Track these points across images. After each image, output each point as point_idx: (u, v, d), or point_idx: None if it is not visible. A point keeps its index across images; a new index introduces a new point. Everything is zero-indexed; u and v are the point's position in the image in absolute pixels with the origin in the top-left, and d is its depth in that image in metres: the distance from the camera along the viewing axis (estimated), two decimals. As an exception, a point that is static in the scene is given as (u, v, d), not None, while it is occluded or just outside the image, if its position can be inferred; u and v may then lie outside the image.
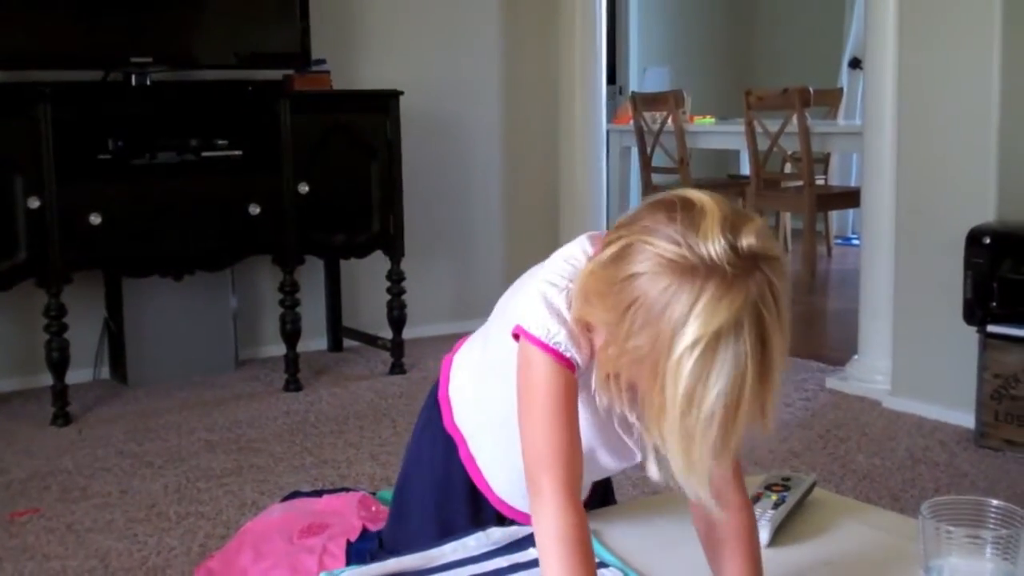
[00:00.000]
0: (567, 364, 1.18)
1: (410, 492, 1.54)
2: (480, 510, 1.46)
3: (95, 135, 3.71)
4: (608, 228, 1.18)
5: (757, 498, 1.37)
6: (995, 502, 1.05)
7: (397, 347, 4.25)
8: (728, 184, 7.06)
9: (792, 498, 1.39)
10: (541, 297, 1.20)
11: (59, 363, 3.63)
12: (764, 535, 1.30)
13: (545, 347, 1.18)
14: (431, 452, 1.49)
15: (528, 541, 1.38)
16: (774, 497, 1.38)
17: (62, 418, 3.63)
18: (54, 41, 3.82)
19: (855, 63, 7.69)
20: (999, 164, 3.34)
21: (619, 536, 1.38)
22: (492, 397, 1.40)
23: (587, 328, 1.18)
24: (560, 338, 1.18)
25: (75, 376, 3.85)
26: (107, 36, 3.91)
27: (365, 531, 1.65)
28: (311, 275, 4.45)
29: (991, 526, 1.03)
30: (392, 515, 1.59)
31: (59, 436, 3.52)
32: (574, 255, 1.22)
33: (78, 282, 3.74)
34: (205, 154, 3.85)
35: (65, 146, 3.57)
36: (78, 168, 3.62)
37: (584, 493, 1.34)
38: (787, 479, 1.45)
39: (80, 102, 3.73)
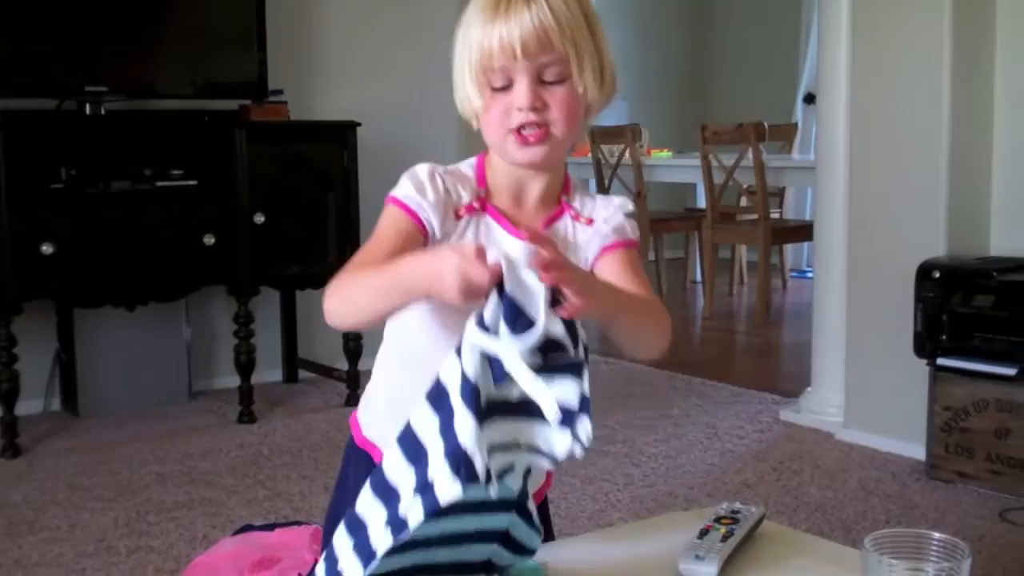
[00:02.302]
0: (417, 221, 1.28)
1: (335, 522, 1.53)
2: None
3: (48, 164, 3.69)
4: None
5: (706, 531, 1.38)
6: (937, 535, 1.06)
7: (352, 378, 4.23)
8: (684, 217, 7.11)
9: (740, 531, 1.39)
10: (410, 173, 1.32)
11: (9, 394, 3.58)
12: (712, 570, 1.30)
13: (398, 202, 1.29)
14: (354, 481, 1.43)
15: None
16: (722, 530, 1.38)
17: (11, 450, 3.58)
18: (7, 69, 3.79)
19: (810, 98, 7.79)
20: (949, 199, 3.39)
21: (568, 568, 1.38)
22: (396, 382, 1.41)
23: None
24: (420, 202, 1.29)
25: (25, 407, 3.80)
26: (62, 65, 3.89)
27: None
28: (266, 306, 4.43)
29: (933, 559, 1.04)
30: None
31: (8, 468, 3.47)
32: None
33: (29, 312, 3.70)
34: (160, 184, 3.84)
35: (18, 175, 3.54)
36: (31, 197, 3.59)
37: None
38: (736, 512, 1.45)
39: (33, 131, 3.71)
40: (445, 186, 1.32)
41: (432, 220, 1.30)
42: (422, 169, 1.33)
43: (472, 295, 1.06)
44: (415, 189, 1.31)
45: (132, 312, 3.93)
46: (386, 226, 1.30)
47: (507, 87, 1.27)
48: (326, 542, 1.55)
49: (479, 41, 1.26)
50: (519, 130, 1.28)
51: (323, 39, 4.65)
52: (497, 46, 1.24)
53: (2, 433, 3.58)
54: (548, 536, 1.55)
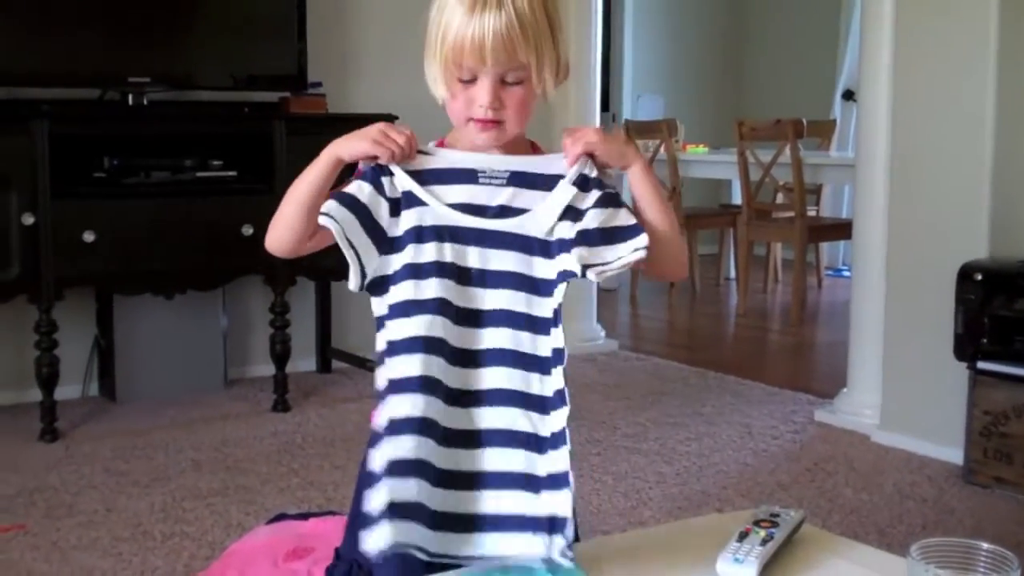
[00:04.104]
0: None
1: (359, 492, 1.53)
2: None
3: (91, 153, 3.73)
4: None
5: (745, 534, 1.37)
6: (986, 545, 1.05)
7: (387, 370, 4.24)
8: (719, 213, 7.09)
9: (780, 535, 1.39)
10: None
11: (48, 379, 3.62)
12: (752, 572, 1.30)
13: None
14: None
15: None
16: (762, 533, 1.38)
17: (50, 434, 3.61)
18: (53, 59, 3.83)
19: (848, 95, 7.74)
20: (992, 200, 3.36)
21: (605, 567, 1.38)
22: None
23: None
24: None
25: (64, 392, 3.83)
26: (105, 55, 3.93)
27: (338, 555, 1.63)
28: (302, 297, 4.45)
29: (981, 570, 1.03)
30: (348, 525, 1.60)
31: (47, 452, 3.51)
32: None
33: (69, 299, 3.74)
34: (200, 174, 3.87)
35: (61, 163, 3.57)
36: (73, 185, 3.63)
37: None
38: (775, 515, 1.44)
39: (77, 120, 3.74)
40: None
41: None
42: None
43: (387, 143, 1.38)
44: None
45: (170, 300, 3.96)
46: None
47: (472, 80, 1.40)
48: (351, 519, 1.57)
49: (452, 39, 1.37)
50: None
51: (362, 32, 4.66)
52: (468, 49, 1.36)
53: (41, 417, 3.62)
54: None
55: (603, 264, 1.39)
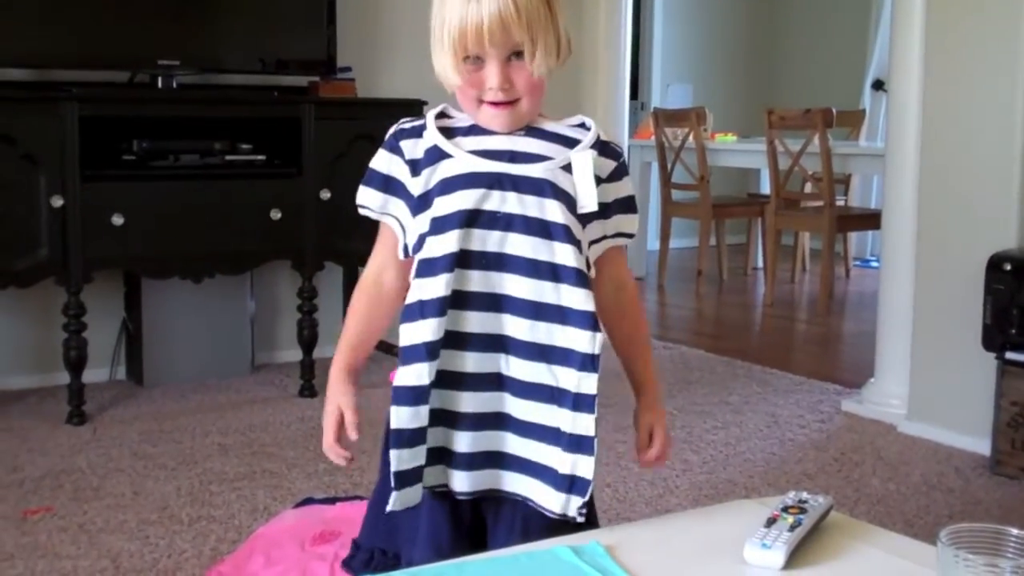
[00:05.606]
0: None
1: (382, 482, 1.56)
2: None
3: (120, 136, 3.75)
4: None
5: (773, 520, 1.37)
6: (1015, 531, 1.04)
7: (413, 356, 4.24)
8: (748, 203, 7.05)
9: (808, 521, 1.38)
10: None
11: (76, 362, 3.64)
12: (779, 558, 1.29)
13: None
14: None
15: None
16: (790, 519, 1.37)
17: (77, 417, 3.64)
18: (82, 41, 3.85)
19: (878, 85, 7.69)
20: (1022, 190, 3.33)
21: (632, 552, 1.38)
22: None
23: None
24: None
25: (92, 375, 3.86)
26: (135, 37, 3.94)
27: (356, 545, 1.63)
28: (329, 282, 4.46)
29: (1010, 555, 1.02)
30: (368, 514, 1.60)
31: (74, 435, 3.53)
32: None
33: (98, 282, 3.76)
34: (228, 158, 3.88)
35: (90, 146, 3.59)
36: (102, 168, 3.64)
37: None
38: (804, 501, 1.44)
39: (106, 102, 3.75)
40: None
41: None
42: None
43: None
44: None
45: (198, 284, 3.98)
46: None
47: (479, 65, 1.43)
48: (372, 504, 1.58)
49: (454, 26, 1.40)
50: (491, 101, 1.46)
51: (392, 17, 4.65)
52: (470, 33, 1.39)
53: (69, 400, 3.64)
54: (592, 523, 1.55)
55: (604, 238, 1.51)
